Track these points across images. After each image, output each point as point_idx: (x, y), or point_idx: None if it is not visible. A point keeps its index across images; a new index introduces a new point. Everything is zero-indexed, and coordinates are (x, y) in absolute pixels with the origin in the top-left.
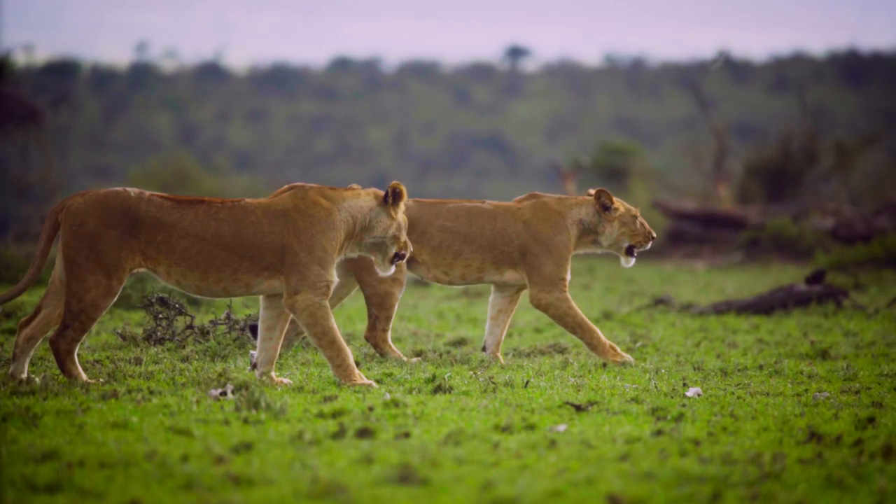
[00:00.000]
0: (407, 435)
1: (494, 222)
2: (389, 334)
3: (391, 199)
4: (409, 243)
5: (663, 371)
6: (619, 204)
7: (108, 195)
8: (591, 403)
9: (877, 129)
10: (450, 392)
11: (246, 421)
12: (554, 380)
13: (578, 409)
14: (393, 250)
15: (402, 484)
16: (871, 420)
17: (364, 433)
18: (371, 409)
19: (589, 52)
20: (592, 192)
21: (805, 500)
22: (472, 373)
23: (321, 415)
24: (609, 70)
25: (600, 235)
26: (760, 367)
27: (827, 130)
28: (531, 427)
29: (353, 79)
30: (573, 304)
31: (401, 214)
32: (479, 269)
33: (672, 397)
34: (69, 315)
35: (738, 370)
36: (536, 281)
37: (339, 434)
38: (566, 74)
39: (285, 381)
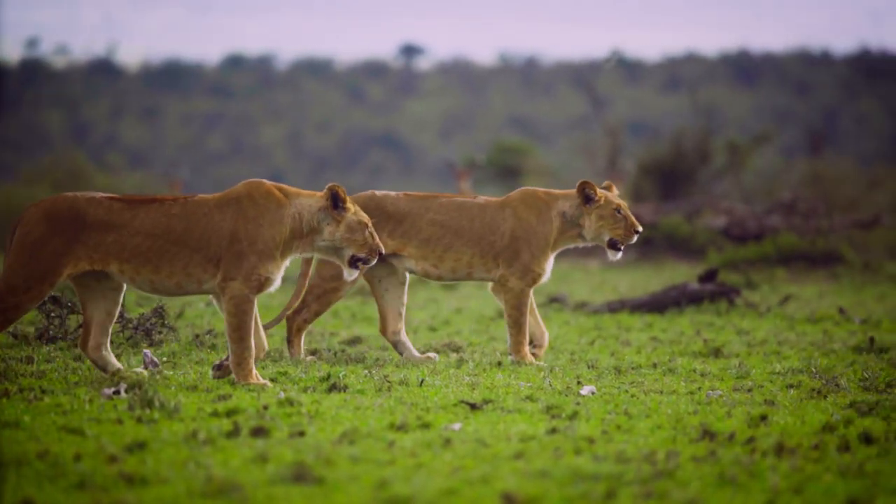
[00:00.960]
0: (302, 434)
1: (484, 215)
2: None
3: (330, 202)
4: (378, 246)
5: (558, 369)
6: (602, 196)
7: (55, 201)
8: (486, 402)
9: (768, 128)
10: (345, 391)
11: (139, 420)
12: (449, 378)
13: (473, 407)
14: (348, 253)
15: (297, 483)
16: (763, 418)
17: (258, 432)
18: (266, 407)
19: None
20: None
21: (698, 497)
22: (367, 371)
23: (215, 413)
24: (503, 69)
25: (583, 228)
26: (654, 366)
27: (719, 130)
28: (426, 426)
29: (246, 76)
30: (528, 302)
31: (351, 217)
32: (468, 263)
33: (566, 395)
34: None
35: (632, 368)
36: (512, 264)
37: (233, 433)
38: (460, 73)
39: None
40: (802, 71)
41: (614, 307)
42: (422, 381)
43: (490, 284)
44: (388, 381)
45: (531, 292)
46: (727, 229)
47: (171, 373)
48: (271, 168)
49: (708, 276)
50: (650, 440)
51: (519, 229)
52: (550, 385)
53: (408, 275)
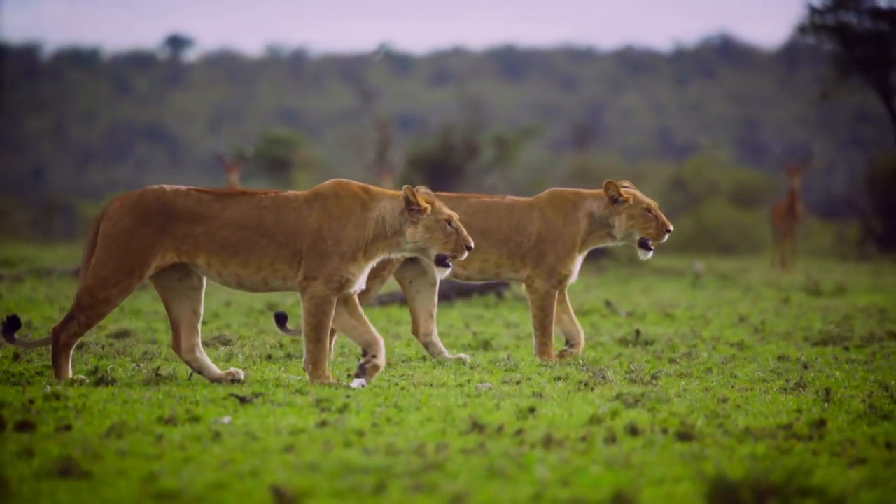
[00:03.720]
0: (68, 428)
1: (511, 216)
2: None
3: (405, 204)
4: (465, 241)
5: (329, 364)
6: (630, 195)
7: (143, 194)
8: (256, 395)
9: (535, 122)
10: (113, 384)
11: None
12: None
13: (243, 400)
14: (434, 252)
15: (64, 477)
16: (531, 410)
17: (24, 426)
18: (31, 401)
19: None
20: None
21: (467, 489)
22: (135, 365)
23: None
24: (271, 61)
25: (613, 228)
26: (424, 358)
27: (487, 123)
28: (195, 419)
29: (8, 66)
30: (553, 304)
31: (428, 217)
32: (496, 264)
33: (336, 388)
34: (78, 308)
35: (402, 361)
36: (538, 265)
37: None
38: (228, 65)
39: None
40: (568, 66)
41: (384, 300)
42: (191, 375)
43: (524, 279)
44: (158, 375)
45: (556, 294)
46: None
47: None
48: (33, 161)
49: None
50: (420, 432)
51: (545, 231)
52: None
53: (439, 277)
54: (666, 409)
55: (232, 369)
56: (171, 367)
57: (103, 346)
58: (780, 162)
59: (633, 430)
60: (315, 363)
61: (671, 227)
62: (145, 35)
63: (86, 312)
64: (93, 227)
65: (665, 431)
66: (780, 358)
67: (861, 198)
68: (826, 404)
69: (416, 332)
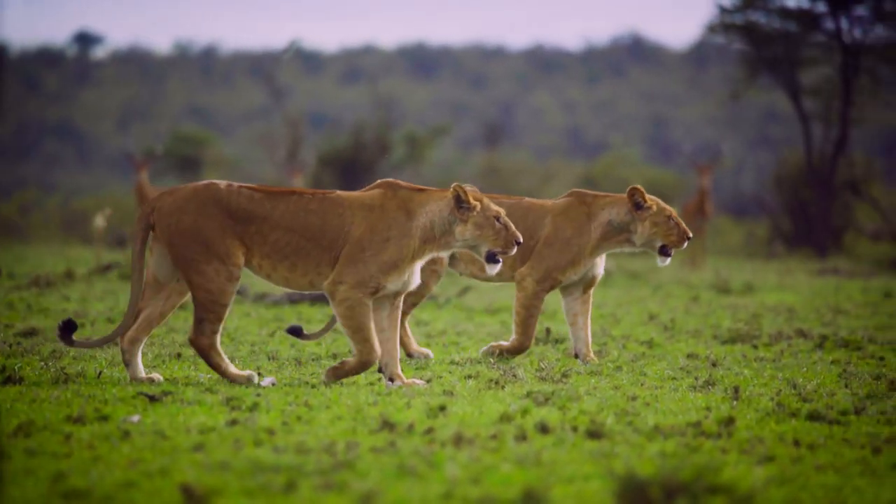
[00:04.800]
0: None
1: (526, 219)
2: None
3: (455, 203)
4: (514, 236)
5: (238, 361)
6: (653, 202)
7: (197, 189)
8: (166, 394)
9: (446, 120)
10: (20, 383)
11: None
12: (127, 370)
13: (152, 399)
14: (484, 249)
15: None
16: (442, 408)
17: None
18: None
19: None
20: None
21: (377, 488)
22: (43, 363)
23: None
24: (181, 58)
25: (633, 234)
26: (334, 357)
27: (398, 122)
28: (104, 418)
29: None
30: (539, 305)
31: (477, 214)
32: (511, 266)
33: (247, 387)
34: (200, 309)
35: (313, 359)
36: (535, 264)
37: None
38: (138, 62)
39: (418, 381)
40: (479, 64)
41: (294, 298)
42: (100, 373)
43: (515, 272)
44: (66, 374)
45: (543, 294)
46: None
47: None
48: None
49: None
50: (330, 431)
51: (553, 237)
52: None
53: (490, 272)
54: (576, 407)
55: (154, 374)
56: (79, 366)
57: (11, 345)
58: (690, 161)
59: (543, 428)
60: (360, 364)
61: (691, 235)
62: (53, 32)
63: (211, 308)
64: (139, 223)
65: (575, 429)
66: (690, 356)
67: (770, 197)
68: (735, 402)
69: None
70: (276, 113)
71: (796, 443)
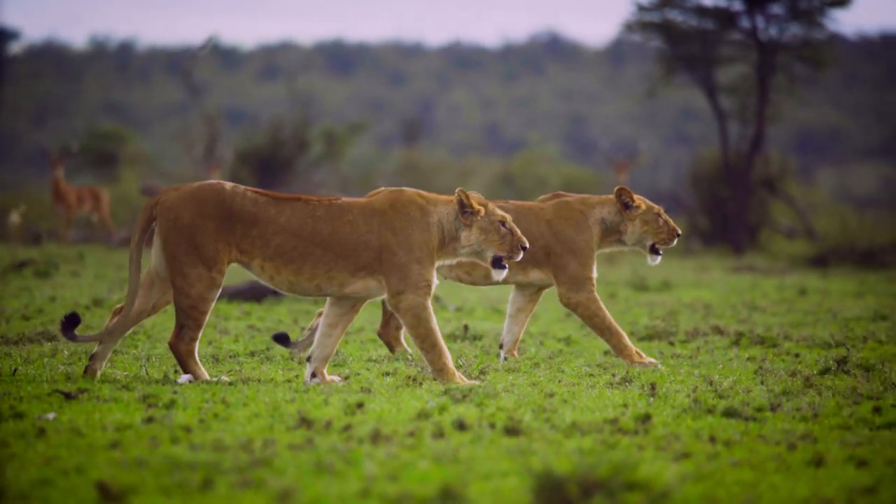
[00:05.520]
0: None
1: (517, 222)
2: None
3: (458, 208)
4: (519, 241)
5: (154, 358)
6: (641, 202)
7: (202, 188)
8: (82, 391)
9: (364, 117)
10: None
11: None
12: (43, 368)
13: (68, 396)
14: (490, 254)
15: None
16: (360, 405)
17: None
18: None
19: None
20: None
21: (295, 485)
22: None
23: None
24: (97, 54)
25: (624, 234)
26: (252, 354)
27: (316, 118)
28: (19, 415)
29: None
30: (602, 305)
31: (482, 219)
32: (522, 268)
33: (164, 384)
34: (181, 314)
35: (230, 357)
36: (563, 281)
37: None
38: (53, 58)
39: (336, 378)
40: (397, 61)
41: (231, 293)
42: (14, 371)
43: (559, 299)
44: None
45: (595, 295)
46: None
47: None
48: None
49: None
50: (247, 428)
51: (558, 243)
52: (147, 374)
53: (496, 278)
54: (494, 403)
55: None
56: None
57: None
58: (608, 158)
59: (460, 425)
60: (442, 369)
61: (680, 232)
62: None
63: (190, 314)
64: (142, 215)
65: (493, 426)
66: (607, 353)
67: (686, 194)
68: (651, 399)
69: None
70: (194, 109)
71: (712, 439)
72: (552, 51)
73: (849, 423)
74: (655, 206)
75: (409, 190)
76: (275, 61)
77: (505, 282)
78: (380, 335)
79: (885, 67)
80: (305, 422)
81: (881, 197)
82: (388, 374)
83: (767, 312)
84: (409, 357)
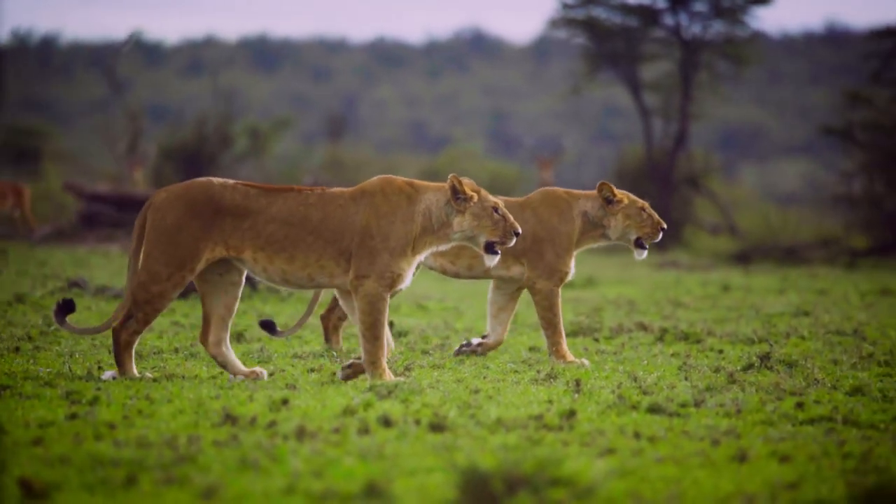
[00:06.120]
0: None
1: None
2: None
3: (451, 195)
4: (512, 226)
5: (78, 355)
6: (624, 196)
7: (190, 186)
8: (4, 388)
9: (288, 113)
10: None
11: None
12: None
13: None
14: (483, 239)
15: None
16: (285, 402)
17: None
18: None
19: None
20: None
21: (219, 481)
22: None
23: None
24: (18, 49)
25: (607, 229)
26: (176, 350)
27: (241, 114)
28: None
29: None
30: (560, 301)
31: (475, 205)
32: (483, 261)
33: (87, 381)
34: (135, 305)
35: (154, 353)
36: (537, 265)
37: None
38: None
39: (584, 361)
40: (321, 57)
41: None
42: None
43: (524, 279)
44: None
45: (558, 290)
46: None
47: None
48: None
49: None
50: (172, 425)
51: (541, 229)
52: (70, 370)
53: (488, 264)
54: (419, 400)
55: (256, 368)
56: None
57: None
58: (532, 155)
59: (386, 422)
60: (374, 361)
61: (665, 226)
62: None
63: (143, 309)
64: (139, 218)
65: (418, 422)
66: (532, 349)
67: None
68: (576, 395)
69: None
70: (117, 105)
71: (637, 435)
72: (476, 47)
73: (772, 418)
74: (640, 201)
75: (398, 178)
76: (199, 57)
77: (486, 275)
78: (322, 318)
79: (807, 65)
80: (230, 418)
81: (803, 194)
82: (313, 370)
83: (691, 309)
84: (335, 355)
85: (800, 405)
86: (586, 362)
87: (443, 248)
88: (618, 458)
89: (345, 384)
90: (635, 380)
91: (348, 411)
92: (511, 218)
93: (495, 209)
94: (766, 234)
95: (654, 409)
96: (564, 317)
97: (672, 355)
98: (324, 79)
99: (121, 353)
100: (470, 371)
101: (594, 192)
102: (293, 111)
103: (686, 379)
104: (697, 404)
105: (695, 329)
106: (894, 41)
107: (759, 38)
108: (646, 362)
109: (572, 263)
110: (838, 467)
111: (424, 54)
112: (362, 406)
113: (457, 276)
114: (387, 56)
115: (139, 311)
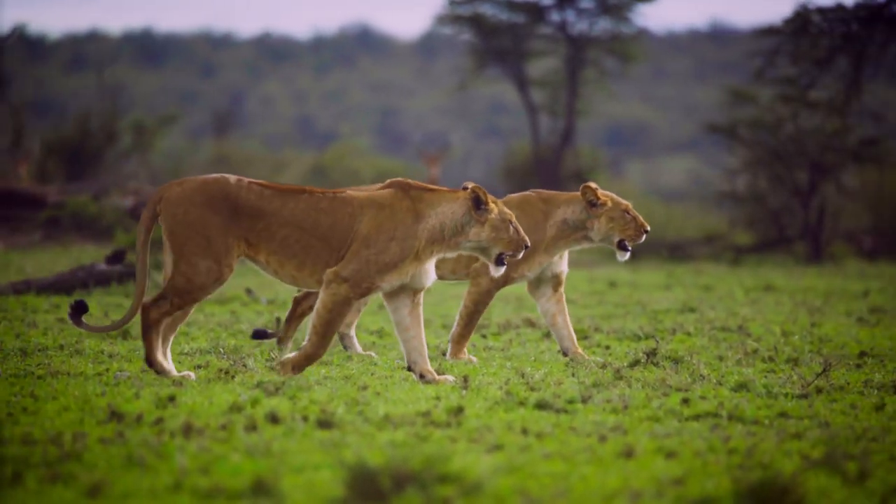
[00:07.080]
0: None
1: None
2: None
3: (473, 205)
4: (524, 240)
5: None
6: (607, 199)
7: (206, 182)
8: None
9: (174, 109)
10: None
11: None
12: None
13: None
14: (496, 251)
15: None
16: (171, 399)
17: None
18: None
19: None
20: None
21: (105, 479)
22: None
23: None
24: None
25: (590, 231)
26: (61, 347)
27: (126, 109)
28: None
29: None
30: (490, 301)
31: (495, 216)
32: (466, 264)
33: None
34: (173, 290)
35: (39, 350)
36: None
37: None
38: None
39: (472, 358)
40: (207, 52)
41: (20, 288)
42: None
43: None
44: None
45: (495, 290)
46: (134, 209)
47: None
48: None
49: (115, 257)
50: (57, 422)
51: None
52: None
53: (495, 275)
54: (307, 396)
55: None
56: None
57: None
58: (419, 151)
59: (273, 418)
60: (306, 357)
61: (648, 228)
62: None
63: (180, 296)
64: (146, 211)
65: (306, 419)
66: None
67: (498, 187)
68: (464, 391)
69: None
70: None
71: (524, 431)
72: (363, 43)
73: (658, 414)
74: (623, 203)
75: (414, 189)
76: (82, 51)
77: (441, 277)
78: (294, 300)
79: (692, 62)
80: (116, 415)
81: (688, 191)
82: (200, 366)
83: (578, 305)
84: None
85: (685, 401)
86: (474, 359)
87: (449, 255)
88: (505, 454)
89: (232, 381)
90: (523, 376)
91: (235, 408)
92: (522, 230)
93: (510, 222)
94: (651, 230)
95: (541, 406)
96: (452, 312)
97: (559, 351)
98: (210, 74)
99: (149, 331)
100: (358, 368)
101: (575, 195)
102: (180, 106)
103: (573, 375)
104: (584, 400)
105: (582, 325)
106: (778, 40)
107: (644, 35)
108: (533, 359)
109: (532, 271)
110: (724, 463)
111: (311, 50)
112: (250, 403)
113: (441, 278)
114: (274, 51)
115: (176, 296)
